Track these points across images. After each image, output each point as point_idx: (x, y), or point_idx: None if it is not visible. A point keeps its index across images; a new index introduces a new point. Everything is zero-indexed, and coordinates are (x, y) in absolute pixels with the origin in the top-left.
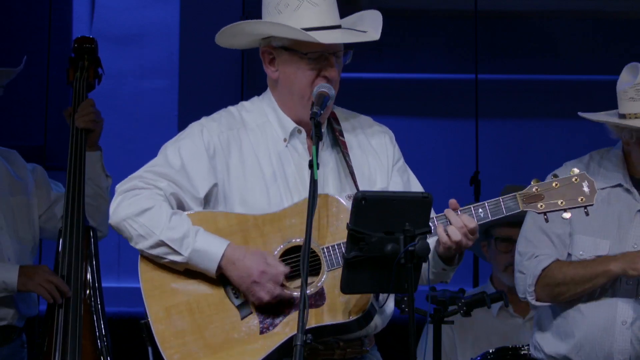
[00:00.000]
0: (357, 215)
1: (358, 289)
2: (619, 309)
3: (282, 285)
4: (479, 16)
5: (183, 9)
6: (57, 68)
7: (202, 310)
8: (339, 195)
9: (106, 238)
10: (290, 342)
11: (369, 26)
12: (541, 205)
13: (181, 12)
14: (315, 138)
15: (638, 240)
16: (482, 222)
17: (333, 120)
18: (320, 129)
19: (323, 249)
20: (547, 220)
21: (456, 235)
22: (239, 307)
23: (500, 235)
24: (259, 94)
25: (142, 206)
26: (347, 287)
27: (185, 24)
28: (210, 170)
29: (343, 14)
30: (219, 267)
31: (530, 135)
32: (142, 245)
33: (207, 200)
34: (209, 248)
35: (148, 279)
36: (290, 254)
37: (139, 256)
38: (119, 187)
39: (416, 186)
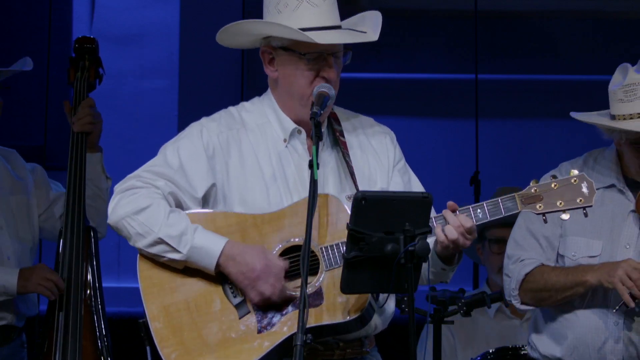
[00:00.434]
0: (357, 215)
1: (358, 289)
2: (612, 299)
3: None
4: (479, 16)
5: (183, 9)
6: (57, 68)
7: (200, 309)
8: (339, 195)
9: (106, 238)
10: (288, 341)
11: (368, 27)
12: (540, 206)
13: (181, 12)
14: (315, 138)
15: (630, 241)
16: (480, 222)
17: (334, 120)
18: (320, 129)
19: (321, 248)
20: (545, 221)
21: (453, 234)
22: (237, 306)
23: (494, 236)
24: (259, 94)
25: (140, 205)
26: (347, 287)
27: (185, 24)
28: (209, 171)
29: (343, 14)
30: (218, 264)
31: (530, 135)
32: (141, 243)
33: (205, 200)
34: (208, 245)
35: (147, 277)
36: (289, 254)
37: (138, 255)
38: (117, 187)
39: (417, 187)
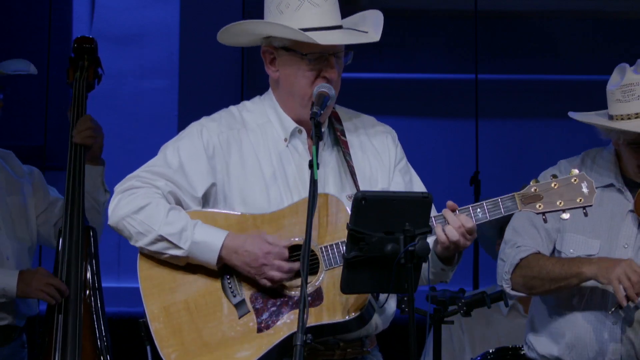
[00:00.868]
0: (357, 215)
1: (358, 289)
2: (610, 300)
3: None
4: (479, 16)
5: (183, 9)
6: (57, 68)
7: (199, 309)
8: (339, 195)
9: (106, 238)
10: (288, 341)
11: (370, 27)
12: (540, 206)
13: (181, 12)
14: (315, 138)
15: (629, 241)
16: (480, 222)
17: (335, 120)
18: (320, 128)
19: (321, 248)
20: (545, 221)
21: (454, 235)
22: (236, 306)
23: None
24: (259, 93)
25: (139, 204)
26: (347, 287)
27: (185, 24)
28: (209, 170)
29: (343, 14)
30: (220, 258)
31: (530, 135)
32: (142, 242)
33: (206, 200)
34: (208, 239)
35: (147, 277)
36: (289, 254)
37: (138, 254)
38: (117, 188)
39: (418, 186)
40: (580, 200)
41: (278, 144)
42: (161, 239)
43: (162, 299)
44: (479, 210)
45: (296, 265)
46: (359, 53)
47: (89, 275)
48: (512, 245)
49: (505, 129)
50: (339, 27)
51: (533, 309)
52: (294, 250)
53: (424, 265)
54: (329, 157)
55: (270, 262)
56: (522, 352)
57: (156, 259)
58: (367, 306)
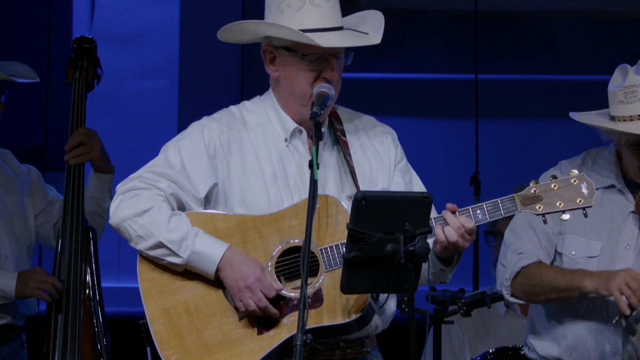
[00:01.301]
0: (357, 215)
1: (358, 289)
2: (611, 309)
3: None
4: (479, 16)
5: (183, 9)
6: (57, 68)
7: (200, 311)
8: (339, 195)
9: (106, 238)
10: (288, 342)
11: (370, 28)
12: (539, 207)
13: (181, 12)
14: (315, 138)
15: (630, 242)
16: (480, 223)
17: (335, 120)
18: (320, 129)
19: (321, 249)
20: (545, 222)
21: (453, 236)
22: (237, 308)
23: None
24: (259, 93)
25: (141, 207)
26: (347, 287)
27: (185, 24)
28: (210, 170)
29: (343, 14)
30: (218, 269)
31: (530, 135)
32: (141, 246)
33: (207, 200)
34: (208, 251)
35: (147, 279)
36: (288, 255)
37: (138, 256)
38: (119, 188)
39: (418, 186)
40: (580, 201)
41: (278, 143)
42: (161, 245)
43: (162, 300)
44: (478, 211)
45: (273, 309)
46: (359, 53)
47: (88, 275)
48: (513, 250)
49: (505, 129)
50: (340, 28)
51: (533, 311)
52: (294, 252)
53: (424, 266)
54: (329, 157)
55: (255, 290)
56: (522, 352)
57: None
58: (368, 307)
